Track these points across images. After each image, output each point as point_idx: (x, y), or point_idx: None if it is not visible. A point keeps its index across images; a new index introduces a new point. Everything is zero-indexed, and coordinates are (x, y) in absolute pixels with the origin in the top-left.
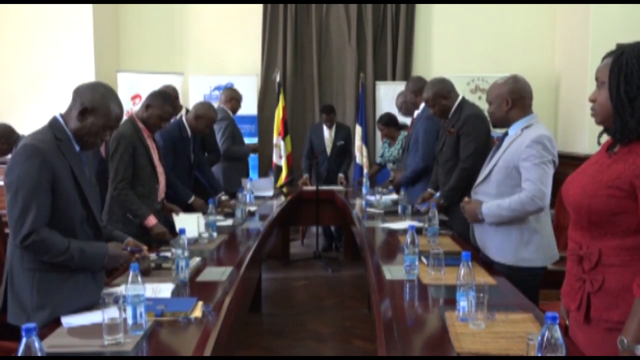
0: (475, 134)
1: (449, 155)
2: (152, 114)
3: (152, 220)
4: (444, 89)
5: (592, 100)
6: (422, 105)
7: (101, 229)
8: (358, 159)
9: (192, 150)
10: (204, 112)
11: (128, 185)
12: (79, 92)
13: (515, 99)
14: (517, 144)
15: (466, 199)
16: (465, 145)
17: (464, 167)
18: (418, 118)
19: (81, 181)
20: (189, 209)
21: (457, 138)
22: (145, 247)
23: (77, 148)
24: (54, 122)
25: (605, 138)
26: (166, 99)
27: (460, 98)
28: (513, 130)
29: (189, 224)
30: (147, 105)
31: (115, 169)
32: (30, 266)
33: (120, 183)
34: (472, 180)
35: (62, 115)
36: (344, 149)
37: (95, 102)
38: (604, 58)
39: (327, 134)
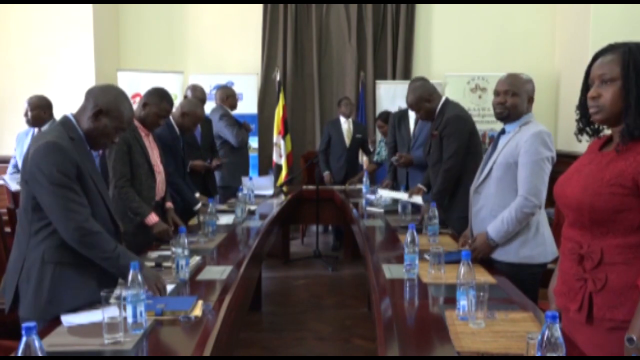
0: (456, 135)
1: (436, 158)
2: (150, 112)
3: (153, 218)
4: (425, 92)
5: (595, 97)
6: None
7: (119, 227)
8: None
9: (182, 148)
10: (190, 109)
11: (128, 183)
12: (93, 94)
13: (532, 98)
14: (516, 140)
15: (469, 241)
16: (446, 146)
17: (445, 169)
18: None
19: (96, 179)
20: (189, 213)
21: (440, 140)
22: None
23: (88, 148)
24: (66, 122)
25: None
26: (163, 96)
27: (443, 99)
28: (511, 127)
29: None
30: (144, 104)
31: (113, 167)
32: (52, 260)
33: (119, 181)
34: (458, 180)
35: (74, 115)
36: (362, 143)
37: (109, 104)
38: (598, 55)
39: (346, 126)
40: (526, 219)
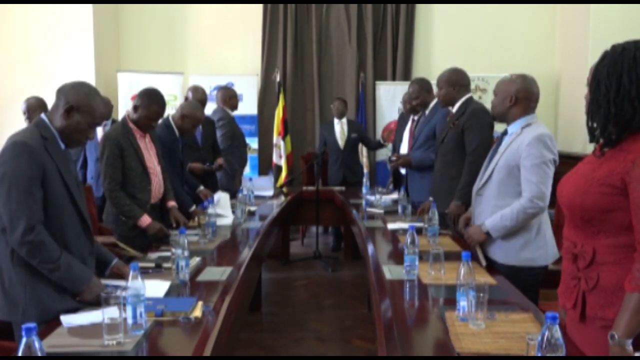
0: (479, 127)
1: (449, 148)
2: (141, 115)
3: (145, 220)
4: (458, 78)
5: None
6: (434, 102)
7: (90, 225)
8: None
9: (180, 150)
10: (190, 111)
11: (118, 187)
12: (63, 91)
13: (519, 98)
14: (517, 142)
15: (461, 223)
16: (470, 139)
17: (471, 161)
18: (432, 115)
19: (67, 178)
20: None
21: (460, 132)
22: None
23: (63, 146)
24: (39, 122)
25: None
26: (152, 98)
27: (468, 95)
28: (513, 128)
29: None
30: (134, 107)
31: (104, 172)
32: (22, 262)
33: (110, 184)
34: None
35: (46, 115)
36: (358, 142)
37: (80, 100)
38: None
39: (339, 127)
40: (526, 220)
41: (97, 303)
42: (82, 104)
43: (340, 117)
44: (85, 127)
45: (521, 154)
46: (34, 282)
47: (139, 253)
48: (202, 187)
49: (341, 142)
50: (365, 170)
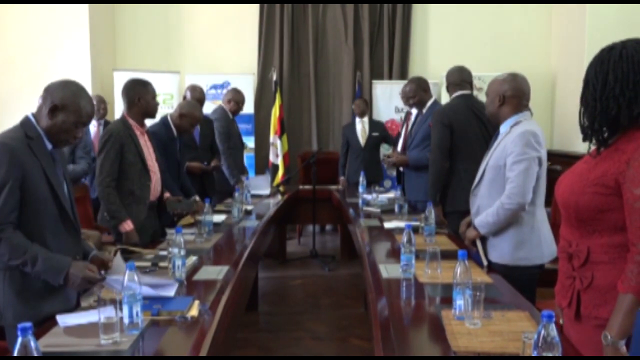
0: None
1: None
2: (147, 101)
3: (128, 226)
4: (453, 77)
5: None
6: (431, 101)
7: (78, 225)
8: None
9: (178, 149)
10: (188, 110)
11: (113, 183)
12: (49, 91)
13: (508, 97)
14: (505, 141)
15: (462, 227)
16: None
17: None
18: (428, 114)
19: (52, 179)
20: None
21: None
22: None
23: (50, 146)
24: (25, 121)
25: None
26: (144, 84)
27: (454, 95)
28: (504, 128)
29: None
30: (138, 99)
31: (100, 165)
32: (0, 266)
33: (104, 180)
34: (441, 175)
35: (33, 115)
36: (380, 141)
37: (65, 99)
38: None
39: (360, 126)
40: (507, 215)
41: (88, 285)
42: (68, 103)
43: (361, 115)
44: (71, 126)
45: (507, 153)
46: (11, 285)
47: (147, 251)
48: (197, 198)
49: (362, 140)
50: (392, 174)
